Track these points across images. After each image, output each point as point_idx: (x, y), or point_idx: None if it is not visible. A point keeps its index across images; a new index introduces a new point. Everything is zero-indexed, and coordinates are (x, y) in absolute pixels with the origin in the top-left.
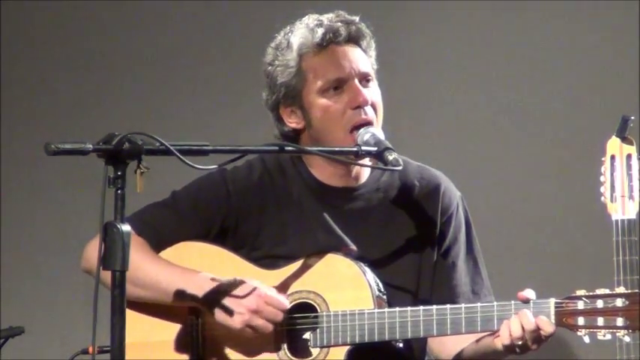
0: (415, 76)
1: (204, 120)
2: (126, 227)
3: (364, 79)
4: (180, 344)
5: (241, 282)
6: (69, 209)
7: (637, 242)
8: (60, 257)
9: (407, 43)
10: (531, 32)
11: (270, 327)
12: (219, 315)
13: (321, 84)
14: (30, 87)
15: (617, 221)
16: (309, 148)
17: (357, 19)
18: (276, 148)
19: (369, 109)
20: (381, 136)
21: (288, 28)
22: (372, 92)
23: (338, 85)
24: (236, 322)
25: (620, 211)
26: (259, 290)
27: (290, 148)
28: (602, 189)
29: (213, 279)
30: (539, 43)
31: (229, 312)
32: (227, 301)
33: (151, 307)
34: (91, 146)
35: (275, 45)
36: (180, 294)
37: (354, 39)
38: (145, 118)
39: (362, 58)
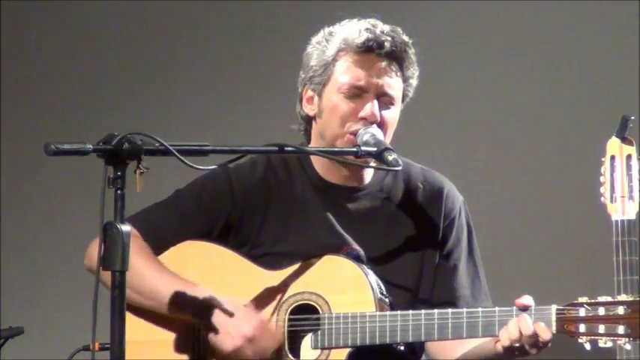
0: (417, 75)
1: (204, 120)
2: (126, 227)
3: (385, 99)
4: (181, 344)
5: (242, 308)
6: (69, 209)
7: (637, 242)
8: (60, 257)
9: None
10: (531, 33)
11: (260, 358)
12: (212, 333)
13: (342, 83)
14: (30, 87)
15: (617, 221)
16: (308, 149)
17: (409, 42)
18: (276, 148)
19: (374, 125)
20: (381, 136)
21: (347, 20)
22: (387, 113)
23: (357, 93)
24: (227, 345)
25: (620, 211)
26: (259, 319)
27: (290, 149)
28: (602, 189)
29: (213, 297)
30: (539, 43)
31: (224, 334)
32: (224, 323)
33: None
34: (90, 146)
35: (328, 30)
36: (179, 307)
37: (397, 59)
38: (145, 118)
39: (394, 80)
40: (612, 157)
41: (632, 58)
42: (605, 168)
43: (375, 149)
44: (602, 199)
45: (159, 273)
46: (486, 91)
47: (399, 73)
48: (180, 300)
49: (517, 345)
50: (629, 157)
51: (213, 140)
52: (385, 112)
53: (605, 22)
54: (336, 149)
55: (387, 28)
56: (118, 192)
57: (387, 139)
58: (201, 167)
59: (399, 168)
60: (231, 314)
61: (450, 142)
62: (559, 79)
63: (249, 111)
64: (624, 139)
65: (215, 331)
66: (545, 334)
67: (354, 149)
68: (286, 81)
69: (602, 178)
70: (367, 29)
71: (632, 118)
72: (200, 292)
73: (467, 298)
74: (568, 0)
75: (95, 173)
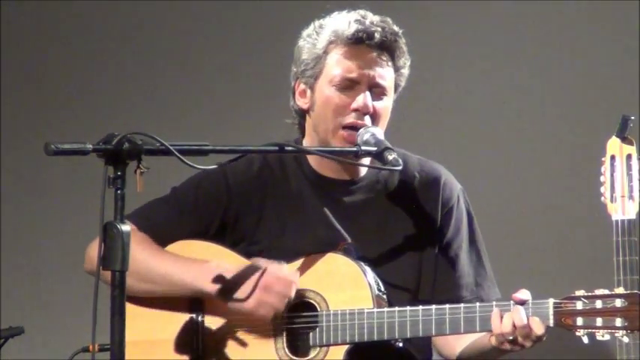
0: (417, 75)
1: (204, 120)
2: (126, 227)
3: (377, 90)
4: (181, 343)
5: (249, 264)
6: (69, 209)
7: (637, 242)
8: (60, 257)
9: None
10: (532, 32)
11: (283, 302)
12: (230, 299)
13: (333, 76)
14: (30, 87)
15: (617, 221)
16: (308, 148)
17: (399, 31)
18: (276, 148)
19: (367, 117)
20: (381, 136)
21: (337, 12)
22: (379, 104)
23: (349, 85)
24: (249, 303)
25: (620, 211)
26: (267, 268)
27: (290, 148)
28: (602, 189)
29: (219, 266)
30: (539, 43)
31: (241, 294)
32: (237, 284)
33: (152, 306)
34: (91, 146)
35: (318, 23)
36: (189, 284)
37: (388, 49)
38: (145, 118)
39: (385, 70)
40: (612, 157)
41: (632, 58)
42: (605, 168)
43: (375, 149)
44: (602, 199)
45: (163, 257)
46: (486, 90)
47: (390, 63)
48: (190, 278)
49: (510, 338)
50: (629, 157)
51: (213, 140)
52: (377, 103)
53: (605, 22)
54: (336, 149)
55: (376, 18)
56: (118, 192)
57: (381, 130)
58: (202, 167)
59: (399, 168)
60: (241, 275)
61: (450, 141)
62: (559, 78)
63: (250, 111)
64: (624, 139)
65: (233, 297)
66: (539, 328)
67: (354, 149)
68: (286, 80)
69: (602, 178)
70: (357, 20)
71: (632, 118)
72: (208, 265)
73: (470, 286)
74: (568, 0)
75: (95, 173)
